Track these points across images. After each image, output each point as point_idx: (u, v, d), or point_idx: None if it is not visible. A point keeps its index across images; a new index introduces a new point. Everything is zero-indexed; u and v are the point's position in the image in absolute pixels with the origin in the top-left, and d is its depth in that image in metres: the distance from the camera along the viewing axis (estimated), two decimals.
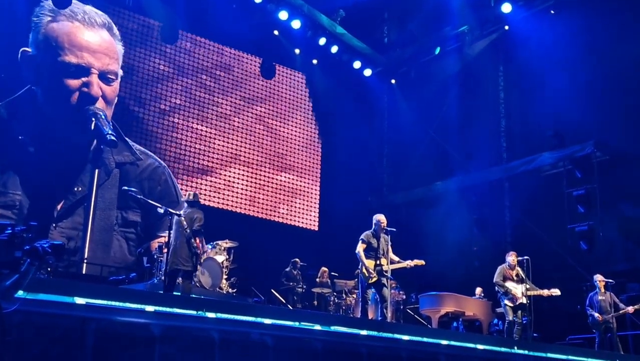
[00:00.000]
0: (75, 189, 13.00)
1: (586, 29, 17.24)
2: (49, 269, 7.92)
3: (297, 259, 15.58)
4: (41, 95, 13.04)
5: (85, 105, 12.95)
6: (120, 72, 13.74)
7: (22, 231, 4.98)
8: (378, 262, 11.04)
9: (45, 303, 5.79)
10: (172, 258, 9.59)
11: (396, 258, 11.29)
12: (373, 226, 11.31)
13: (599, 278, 13.68)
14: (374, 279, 10.97)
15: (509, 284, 12.59)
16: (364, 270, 11.01)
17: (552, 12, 18.42)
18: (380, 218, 11.33)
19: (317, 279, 15.54)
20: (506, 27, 19.55)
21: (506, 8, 18.84)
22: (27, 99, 13.00)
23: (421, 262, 11.53)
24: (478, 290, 15.78)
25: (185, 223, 9.97)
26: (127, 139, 13.62)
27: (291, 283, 15.09)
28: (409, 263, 11.41)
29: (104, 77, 12.93)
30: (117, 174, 13.42)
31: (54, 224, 11.91)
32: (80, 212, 12.97)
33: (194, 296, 9.37)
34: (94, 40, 13.27)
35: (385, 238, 11.28)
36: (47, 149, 12.64)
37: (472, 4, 19.90)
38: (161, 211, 10.14)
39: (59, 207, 12.81)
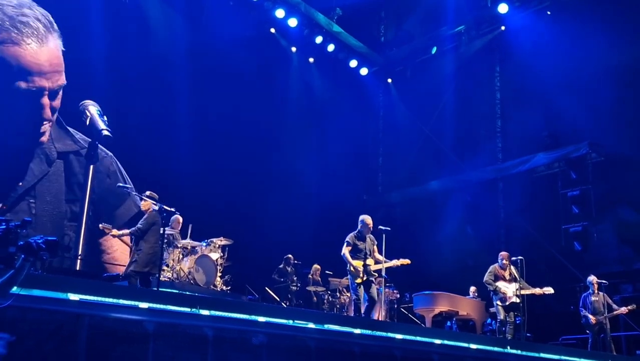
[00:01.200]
0: (19, 184, 12.75)
1: (582, 30, 17.30)
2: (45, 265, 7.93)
3: (290, 256, 15.59)
4: None
5: (34, 124, 12.73)
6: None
7: (16, 226, 4.98)
8: (365, 262, 11.07)
9: (39, 299, 5.79)
10: (154, 261, 9.69)
11: (382, 258, 11.27)
12: (358, 227, 11.33)
13: (593, 279, 13.71)
14: (363, 279, 11.00)
15: (500, 284, 12.63)
16: (352, 269, 11.03)
17: (549, 12, 18.48)
18: (367, 219, 11.32)
19: (310, 277, 15.57)
20: (502, 28, 19.60)
21: (502, 8, 18.89)
22: None
23: (407, 261, 11.52)
24: (472, 289, 15.81)
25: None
26: (67, 127, 13.31)
27: (282, 279, 15.11)
28: (396, 263, 11.41)
29: (54, 94, 12.73)
30: (60, 165, 13.18)
31: None
32: (24, 208, 12.74)
33: (188, 293, 9.39)
34: (44, 59, 12.93)
35: (371, 238, 11.30)
36: None
37: (469, 4, 19.96)
38: (156, 207, 10.14)
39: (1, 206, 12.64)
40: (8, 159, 12.45)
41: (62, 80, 13.03)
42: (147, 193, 10.72)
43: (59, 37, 13.32)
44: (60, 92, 13.03)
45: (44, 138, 12.81)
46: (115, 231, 10.63)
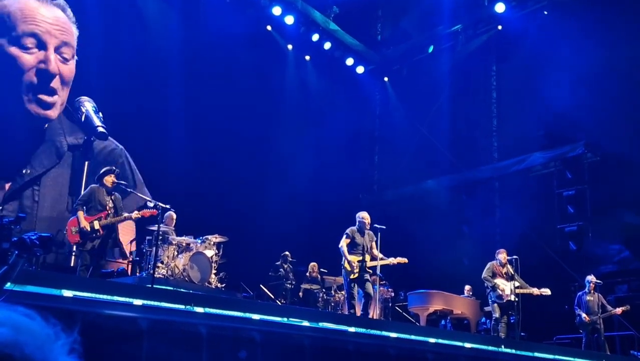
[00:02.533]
0: (24, 171, 12.66)
1: (579, 30, 17.30)
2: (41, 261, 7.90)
3: (288, 253, 15.55)
4: None
5: (43, 84, 12.58)
6: (76, 57, 13.33)
7: (10, 222, 4.96)
8: (361, 258, 11.04)
9: (32, 295, 5.77)
10: None
11: (380, 255, 11.25)
12: (357, 224, 11.29)
13: (591, 278, 13.70)
14: (356, 275, 10.96)
15: (498, 281, 12.62)
16: (347, 265, 10.98)
17: (545, 12, 18.49)
18: (364, 215, 11.28)
19: (307, 274, 15.55)
20: (499, 27, 19.59)
21: (499, 8, 18.89)
22: None
23: (404, 260, 11.50)
24: (467, 288, 15.82)
25: None
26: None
27: (279, 272, 15.08)
28: (392, 261, 11.38)
29: (61, 53, 12.56)
30: (69, 157, 13.11)
31: (0, 207, 11.58)
32: (28, 195, 12.66)
33: (182, 290, 9.36)
34: (50, 15, 12.86)
35: (370, 235, 11.25)
36: None
37: (466, 3, 19.95)
38: (151, 204, 10.11)
39: (6, 188, 12.50)
40: (17, 121, 12.32)
41: (70, 42, 12.85)
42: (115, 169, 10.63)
43: (73, 23, 13.26)
44: (72, 62, 12.90)
45: (55, 111, 12.66)
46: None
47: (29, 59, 12.26)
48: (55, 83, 12.38)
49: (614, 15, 16.99)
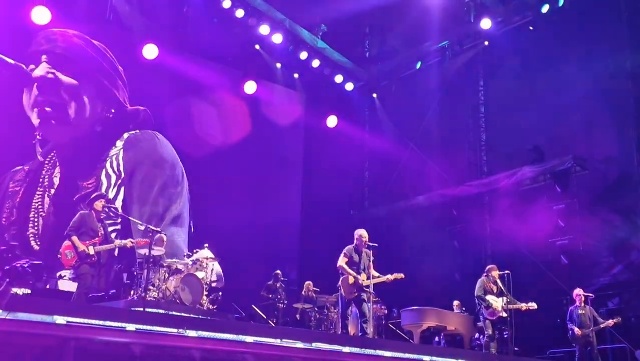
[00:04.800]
0: None
1: (564, 45, 17.44)
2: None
3: (279, 272, 15.48)
4: None
5: None
6: None
7: (1, 251, 4.95)
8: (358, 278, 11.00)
9: (24, 323, 5.73)
10: None
11: (376, 273, 11.21)
12: (354, 241, 11.26)
13: (579, 292, 13.69)
14: (354, 295, 10.92)
15: (490, 298, 12.62)
16: (350, 279, 10.92)
17: (531, 28, 18.61)
18: (362, 233, 11.27)
19: (303, 293, 15.49)
20: (486, 43, 19.70)
21: (485, 24, 19.00)
22: None
23: (400, 275, 11.47)
24: (455, 304, 15.76)
25: None
26: None
27: (271, 296, 15.01)
28: (389, 277, 11.32)
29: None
30: None
31: None
32: None
33: (174, 313, 9.32)
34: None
35: (367, 253, 11.22)
36: None
37: (452, 19, 20.05)
38: (141, 227, 10.07)
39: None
40: None
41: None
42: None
43: None
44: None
45: None
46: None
47: None
48: None
49: (599, 30, 17.10)
